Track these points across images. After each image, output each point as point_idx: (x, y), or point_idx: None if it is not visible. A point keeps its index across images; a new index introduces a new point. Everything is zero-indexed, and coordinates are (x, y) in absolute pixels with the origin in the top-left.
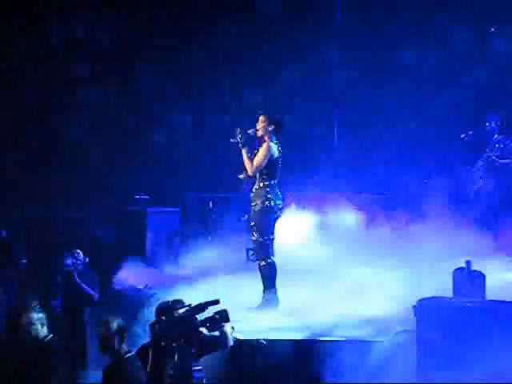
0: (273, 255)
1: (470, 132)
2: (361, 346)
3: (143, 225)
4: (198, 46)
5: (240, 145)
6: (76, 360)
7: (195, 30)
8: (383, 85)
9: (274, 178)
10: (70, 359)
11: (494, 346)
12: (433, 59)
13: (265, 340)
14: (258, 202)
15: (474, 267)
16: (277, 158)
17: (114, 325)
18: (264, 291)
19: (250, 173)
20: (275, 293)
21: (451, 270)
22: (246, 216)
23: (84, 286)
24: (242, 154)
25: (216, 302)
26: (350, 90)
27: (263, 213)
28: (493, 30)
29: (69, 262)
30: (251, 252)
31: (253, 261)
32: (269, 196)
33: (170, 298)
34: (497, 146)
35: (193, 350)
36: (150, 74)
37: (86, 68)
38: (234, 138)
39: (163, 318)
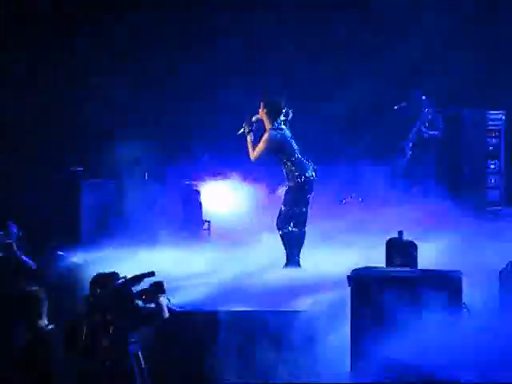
0: (296, 225)
1: (403, 104)
2: (294, 316)
3: (77, 197)
4: (134, 19)
5: (245, 132)
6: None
7: (132, 3)
8: (320, 59)
9: (293, 155)
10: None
11: (426, 316)
12: (367, 33)
13: (200, 311)
14: (290, 181)
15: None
16: (285, 140)
17: None
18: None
19: (251, 158)
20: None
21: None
22: None
23: (22, 256)
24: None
25: (151, 273)
26: (287, 65)
27: (295, 189)
28: None
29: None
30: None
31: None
32: (296, 173)
33: (105, 270)
34: (429, 117)
35: (128, 322)
36: (85, 47)
37: (20, 41)
38: (240, 129)
39: (98, 290)
